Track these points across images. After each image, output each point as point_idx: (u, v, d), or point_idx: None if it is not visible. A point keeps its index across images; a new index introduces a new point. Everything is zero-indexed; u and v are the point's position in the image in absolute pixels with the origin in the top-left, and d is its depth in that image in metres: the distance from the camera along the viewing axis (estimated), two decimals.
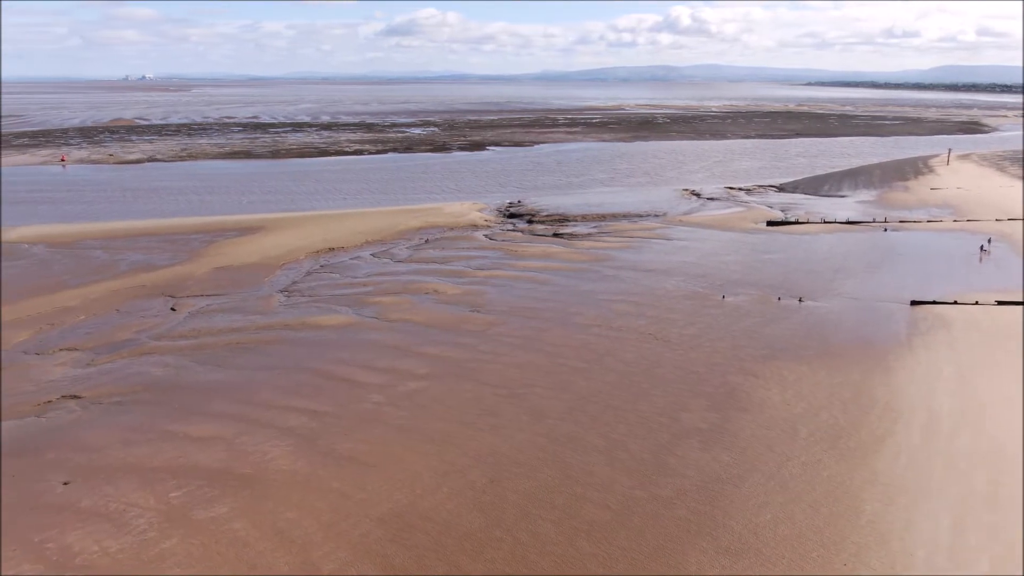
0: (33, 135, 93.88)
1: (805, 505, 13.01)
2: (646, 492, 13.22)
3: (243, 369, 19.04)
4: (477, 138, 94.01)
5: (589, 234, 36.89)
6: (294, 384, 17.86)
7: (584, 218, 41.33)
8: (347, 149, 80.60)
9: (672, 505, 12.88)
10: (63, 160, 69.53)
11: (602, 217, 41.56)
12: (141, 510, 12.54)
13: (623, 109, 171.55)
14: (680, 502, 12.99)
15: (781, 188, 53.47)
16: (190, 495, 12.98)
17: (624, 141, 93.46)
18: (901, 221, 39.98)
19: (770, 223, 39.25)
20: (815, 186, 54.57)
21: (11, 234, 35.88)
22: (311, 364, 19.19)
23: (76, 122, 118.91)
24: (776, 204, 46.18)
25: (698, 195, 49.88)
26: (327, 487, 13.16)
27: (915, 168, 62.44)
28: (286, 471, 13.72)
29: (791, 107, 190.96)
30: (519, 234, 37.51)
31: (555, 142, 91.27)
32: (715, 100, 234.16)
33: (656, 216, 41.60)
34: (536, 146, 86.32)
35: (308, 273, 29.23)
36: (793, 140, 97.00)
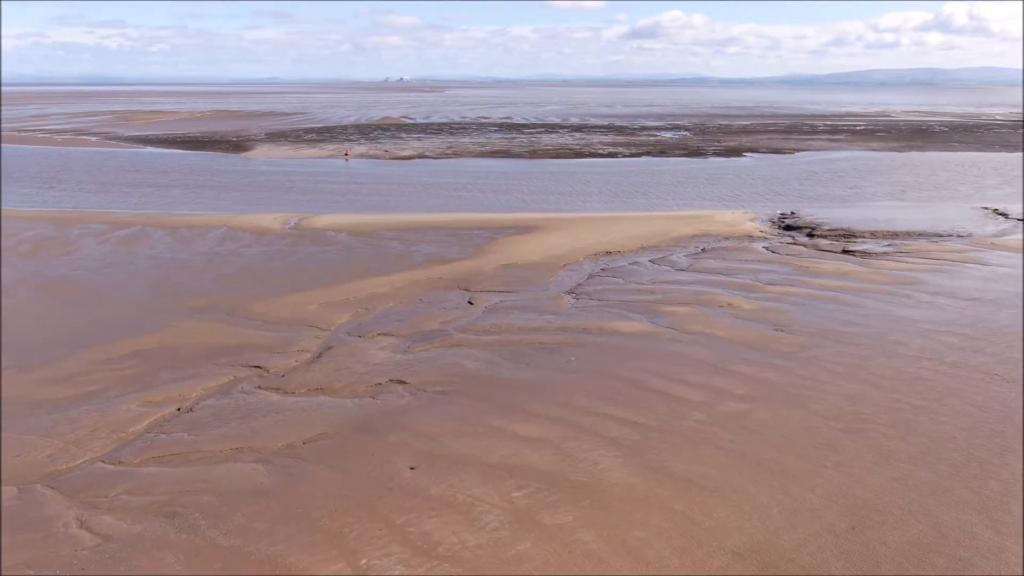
0: (319, 131, 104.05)
1: None
2: None
3: (551, 370, 19.07)
4: (732, 143, 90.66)
5: (884, 253, 33.72)
6: (608, 391, 17.54)
7: (873, 235, 37.96)
8: (601, 151, 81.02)
9: None
10: (346, 154, 76.12)
11: (894, 235, 37.93)
12: (488, 506, 12.66)
13: (889, 115, 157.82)
14: None
15: None
16: (531, 497, 12.95)
17: (897, 151, 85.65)
18: None
19: None
20: None
21: (317, 222, 39.44)
22: (619, 371, 18.82)
23: (352, 119, 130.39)
24: None
25: (1005, 215, 44.06)
26: (669, 508, 12.56)
27: None
28: (622, 484, 13.31)
29: None
30: (801, 248, 35.18)
31: (817, 150, 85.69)
32: (998, 107, 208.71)
33: (960, 236, 37.21)
34: (797, 153, 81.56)
35: (590, 276, 29.17)
36: None
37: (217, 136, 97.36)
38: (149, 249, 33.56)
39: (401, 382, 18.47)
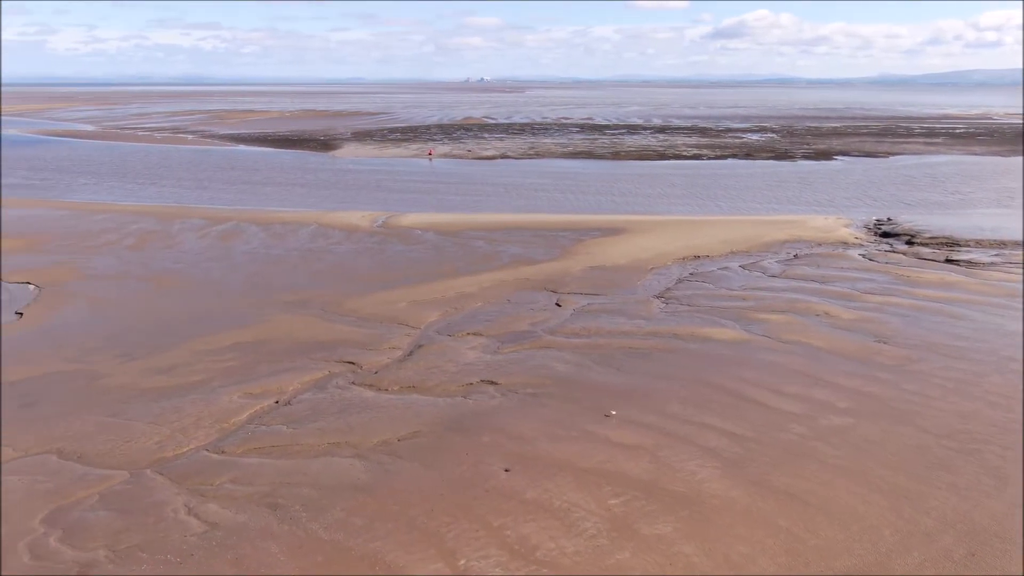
0: (403, 131, 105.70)
1: None
2: None
3: (643, 375, 18.77)
4: (822, 146, 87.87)
5: (992, 263, 32.02)
6: (702, 399, 17.14)
7: (979, 243, 36.10)
8: (685, 153, 79.71)
9: None
10: (430, 154, 77.02)
11: (1002, 244, 35.97)
12: (585, 512, 12.50)
13: (991, 118, 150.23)
14: None
15: None
16: (628, 505, 12.72)
17: (1001, 155, 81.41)
18: None
19: None
20: None
21: (404, 220, 39.99)
22: (713, 379, 18.37)
23: (435, 119, 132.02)
24: None
25: None
26: (772, 523, 12.14)
27: None
28: (721, 496, 12.95)
29: None
30: (901, 256, 33.74)
31: (913, 153, 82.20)
32: None
33: None
34: (891, 157, 78.41)
35: (679, 280, 28.65)
36: None
37: (306, 135, 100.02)
38: (245, 244, 34.64)
39: (492, 383, 18.48)
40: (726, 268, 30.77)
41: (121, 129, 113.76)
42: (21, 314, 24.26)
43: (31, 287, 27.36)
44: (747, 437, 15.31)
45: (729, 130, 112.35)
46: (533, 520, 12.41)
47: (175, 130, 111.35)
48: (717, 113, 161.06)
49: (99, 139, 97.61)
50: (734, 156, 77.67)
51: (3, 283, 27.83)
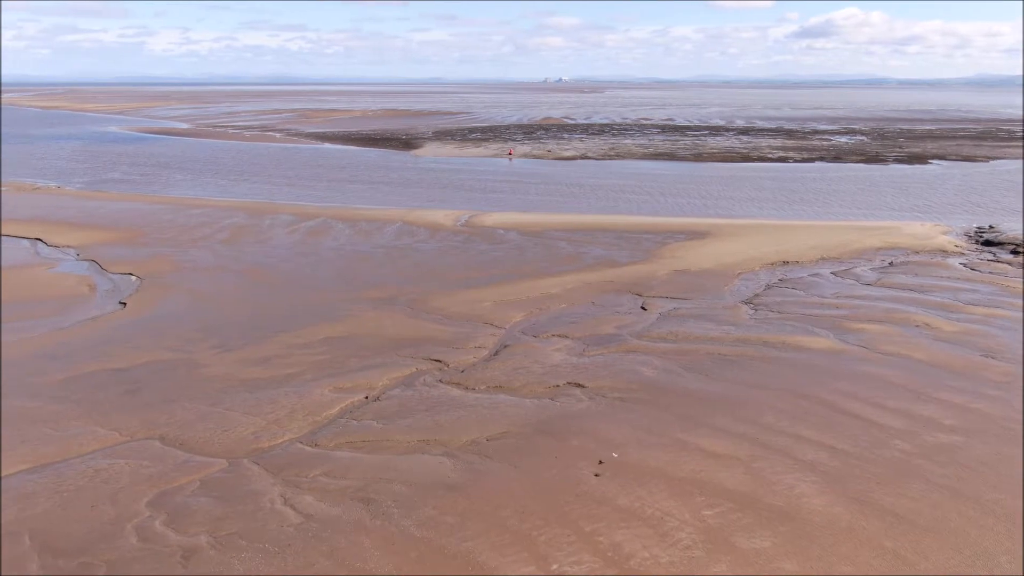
0: (482, 130, 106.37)
1: None
2: None
3: (733, 384, 18.31)
4: (916, 150, 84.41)
5: None
6: (797, 410, 16.60)
7: None
8: (770, 156, 77.76)
9: None
10: (510, 154, 77.24)
11: None
12: (679, 522, 12.23)
13: None
14: None
15: None
16: (724, 517, 12.39)
17: None
18: None
19: None
20: None
21: (487, 219, 40.15)
22: (808, 390, 17.78)
23: (514, 119, 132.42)
24: None
25: None
26: (878, 544, 11.64)
27: None
28: (822, 513, 12.49)
29: None
30: (1006, 266, 32.05)
31: (1015, 158, 78.10)
32: None
33: None
34: (992, 162, 74.70)
35: (767, 286, 27.89)
36: None
37: (388, 134, 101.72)
38: (332, 240, 35.38)
39: (579, 385, 18.34)
40: (817, 275, 29.81)
41: (213, 127, 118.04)
42: (124, 303, 25.34)
43: (133, 278, 28.57)
44: (847, 452, 14.75)
45: (816, 132, 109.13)
46: (626, 527, 12.22)
47: (263, 128, 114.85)
48: (803, 114, 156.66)
49: (193, 136, 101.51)
50: (822, 159, 75.37)
51: (108, 273, 29.15)
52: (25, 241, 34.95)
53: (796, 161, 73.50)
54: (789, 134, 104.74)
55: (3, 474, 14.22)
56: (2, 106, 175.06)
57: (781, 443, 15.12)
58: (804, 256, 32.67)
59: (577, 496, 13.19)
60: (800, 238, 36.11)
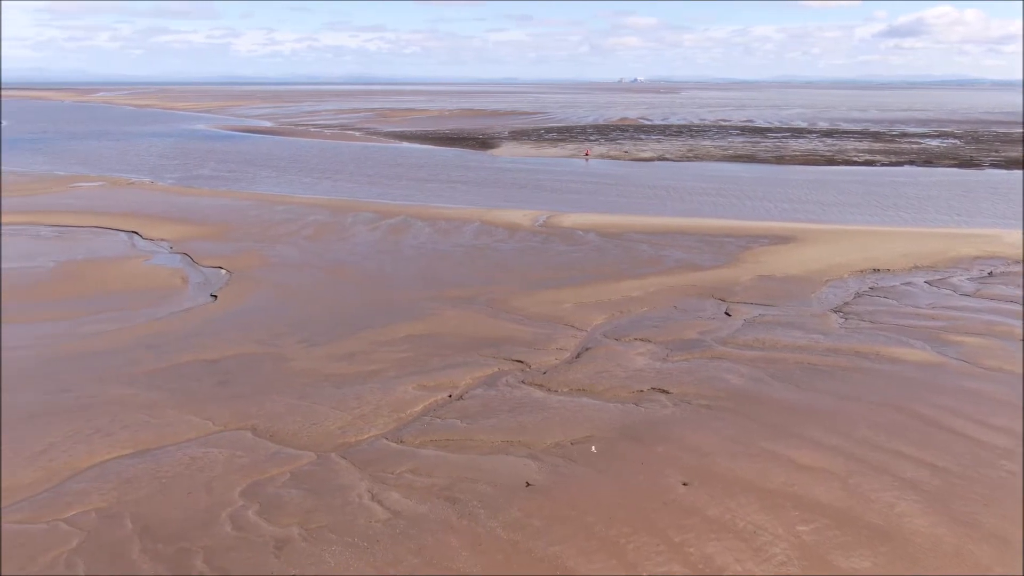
0: (558, 131, 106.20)
1: None
2: None
3: (825, 394, 17.71)
4: (1014, 154, 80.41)
5: None
6: (894, 425, 15.95)
7: None
8: (856, 159, 75.26)
9: None
10: (587, 154, 76.90)
11: None
12: (772, 537, 11.87)
13: None
14: None
15: None
16: (820, 534, 11.97)
17: None
18: None
19: None
20: None
21: (565, 220, 40.01)
22: (905, 404, 17.07)
23: (590, 120, 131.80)
24: None
25: None
26: (987, 570, 11.05)
27: None
28: (925, 534, 11.94)
29: None
30: None
31: None
32: None
33: None
34: None
35: (857, 295, 26.94)
36: None
37: (465, 133, 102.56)
38: (412, 239, 35.81)
39: (663, 391, 18.04)
40: (910, 283, 28.65)
41: (294, 125, 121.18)
42: (215, 296, 26.16)
43: (223, 271, 29.49)
44: (950, 471, 14.08)
45: (904, 135, 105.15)
46: (717, 539, 11.93)
47: (343, 127, 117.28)
48: (890, 116, 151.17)
49: (275, 134, 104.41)
50: (911, 163, 72.57)
51: (199, 266, 30.17)
52: (123, 234, 36.48)
53: (884, 165, 70.98)
54: (876, 137, 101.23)
55: (104, 458, 14.81)
56: (21, 103, 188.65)
57: (877, 458, 14.54)
58: (895, 264, 31.45)
59: (665, 504, 12.95)
60: (890, 245, 34.79)
